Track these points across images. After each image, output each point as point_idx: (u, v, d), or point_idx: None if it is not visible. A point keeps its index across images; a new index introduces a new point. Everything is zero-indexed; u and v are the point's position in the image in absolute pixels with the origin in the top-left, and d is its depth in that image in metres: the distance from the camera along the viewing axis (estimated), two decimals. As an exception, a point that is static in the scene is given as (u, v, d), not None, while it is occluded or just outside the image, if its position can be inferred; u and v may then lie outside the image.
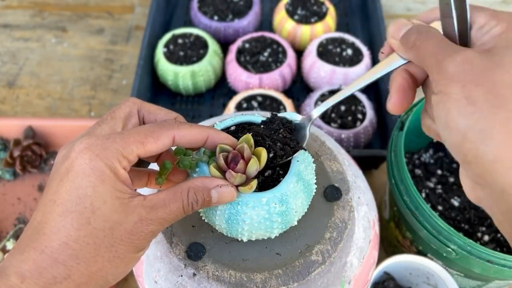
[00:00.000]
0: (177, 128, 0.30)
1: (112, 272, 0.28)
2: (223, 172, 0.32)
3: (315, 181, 0.36)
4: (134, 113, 0.32)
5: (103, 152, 0.27)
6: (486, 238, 0.57)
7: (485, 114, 0.23)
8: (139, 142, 0.28)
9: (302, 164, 0.34)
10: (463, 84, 0.24)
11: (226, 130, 0.36)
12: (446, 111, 0.25)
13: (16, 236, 0.65)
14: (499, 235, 0.58)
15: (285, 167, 0.34)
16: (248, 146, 0.32)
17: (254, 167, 0.31)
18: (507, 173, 0.23)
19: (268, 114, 0.37)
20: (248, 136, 0.33)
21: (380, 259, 0.50)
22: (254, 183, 0.31)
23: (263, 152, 0.32)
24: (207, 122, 0.47)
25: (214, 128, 0.33)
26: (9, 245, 0.63)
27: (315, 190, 0.36)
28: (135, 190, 0.30)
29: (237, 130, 0.36)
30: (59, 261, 0.26)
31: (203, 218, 0.36)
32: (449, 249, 0.47)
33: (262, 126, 0.35)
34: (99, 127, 0.30)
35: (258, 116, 0.36)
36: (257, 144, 0.34)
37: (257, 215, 0.32)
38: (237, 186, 0.32)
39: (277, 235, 0.35)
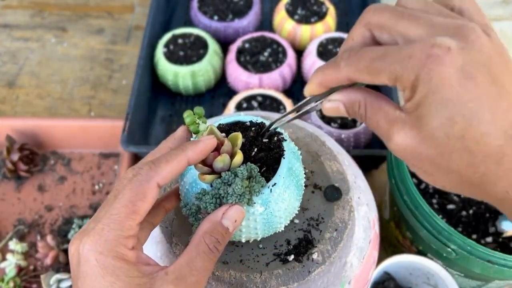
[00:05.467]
0: (156, 173, 0.29)
1: None
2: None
3: (303, 180, 0.35)
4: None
5: (105, 245, 0.27)
6: (487, 238, 0.57)
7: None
8: (131, 213, 0.28)
9: (288, 164, 0.33)
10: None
11: (227, 127, 0.36)
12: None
13: (17, 236, 0.66)
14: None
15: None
16: (231, 143, 0.32)
17: (219, 163, 0.31)
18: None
19: (277, 116, 0.36)
20: (238, 134, 0.33)
21: (380, 259, 0.50)
22: (210, 178, 0.31)
23: (239, 155, 0.32)
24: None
25: (189, 145, 0.31)
26: (11, 245, 0.63)
27: (303, 190, 0.36)
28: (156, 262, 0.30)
29: (243, 130, 0.36)
30: None
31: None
32: (449, 249, 0.47)
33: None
34: (105, 210, 0.29)
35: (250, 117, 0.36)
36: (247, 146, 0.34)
37: (245, 219, 0.32)
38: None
39: (264, 236, 0.35)
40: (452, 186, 0.26)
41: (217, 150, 0.32)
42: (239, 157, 0.32)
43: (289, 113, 0.33)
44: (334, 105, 0.29)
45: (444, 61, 0.23)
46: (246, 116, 0.36)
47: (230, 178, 0.31)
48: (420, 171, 0.27)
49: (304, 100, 0.32)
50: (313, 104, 0.31)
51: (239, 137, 0.32)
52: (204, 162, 0.32)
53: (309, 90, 0.30)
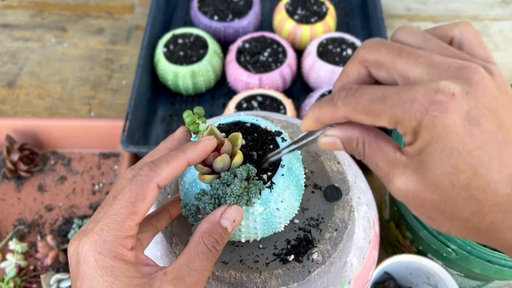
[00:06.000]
0: (156, 174, 0.29)
1: None
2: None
3: (303, 180, 0.35)
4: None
5: (104, 246, 0.27)
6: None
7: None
8: (130, 213, 0.28)
9: (287, 164, 0.33)
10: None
11: (228, 126, 0.36)
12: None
13: (17, 236, 0.66)
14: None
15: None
16: (231, 143, 0.32)
17: (219, 164, 0.31)
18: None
19: (275, 116, 0.36)
20: (238, 135, 0.33)
21: (380, 259, 0.50)
22: (209, 178, 0.31)
23: (239, 155, 0.32)
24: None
25: (189, 145, 0.31)
26: (11, 245, 0.63)
27: (303, 190, 0.36)
28: (156, 263, 0.29)
29: (247, 131, 0.36)
30: None
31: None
32: (449, 249, 0.47)
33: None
34: (104, 211, 0.29)
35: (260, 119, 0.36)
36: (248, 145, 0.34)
37: (244, 219, 0.32)
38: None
39: (264, 236, 0.35)
40: (457, 232, 0.25)
41: (217, 150, 0.32)
42: (239, 157, 0.32)
43: (286, 147, 0.33)
44: (330, 141, 0.28)
45: (448, 108, 0.22)
46: (246, 116, 0.36)
47: (229, 178, 0.31)
48: (422, 216, 0.26)
49: (302, 135, 0.31)
50: (310, 138, 0.31)
51: (239, 137, 0.32)
52: (204, 162, 0.32)
53: (305, 125, 0.28)
